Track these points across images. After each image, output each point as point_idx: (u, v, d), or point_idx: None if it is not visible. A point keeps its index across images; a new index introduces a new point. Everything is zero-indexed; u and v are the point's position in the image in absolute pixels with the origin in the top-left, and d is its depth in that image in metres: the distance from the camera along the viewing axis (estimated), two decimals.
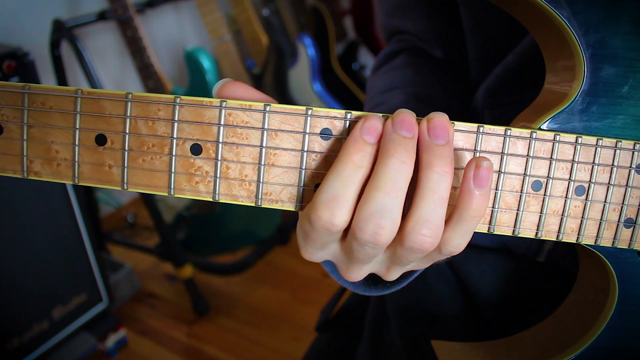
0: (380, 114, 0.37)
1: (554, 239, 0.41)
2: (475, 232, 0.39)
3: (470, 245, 0.67)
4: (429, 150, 0.36)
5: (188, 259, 1.97)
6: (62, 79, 1.80)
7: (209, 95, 0.38)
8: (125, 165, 0.38)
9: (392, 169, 0.35)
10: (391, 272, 0.42)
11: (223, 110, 0.37)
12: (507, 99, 0.61)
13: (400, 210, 0.36)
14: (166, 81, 1.95)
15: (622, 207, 0.41)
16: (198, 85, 1.95)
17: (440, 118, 0.37)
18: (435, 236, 0.37)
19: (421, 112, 0.38)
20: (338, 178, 0.36)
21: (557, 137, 0.39)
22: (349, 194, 0.36)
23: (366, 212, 0.35)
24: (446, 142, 0.36)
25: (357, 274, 0.42)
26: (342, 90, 2.64)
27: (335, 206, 0.36)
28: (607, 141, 0.40)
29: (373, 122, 0.36)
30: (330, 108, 0.38)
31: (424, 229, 0.36)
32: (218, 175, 0.38)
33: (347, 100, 2.58)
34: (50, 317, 1.57)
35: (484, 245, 0.67)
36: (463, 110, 0.69)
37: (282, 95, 2.32)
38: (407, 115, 0.36)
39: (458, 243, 0.38)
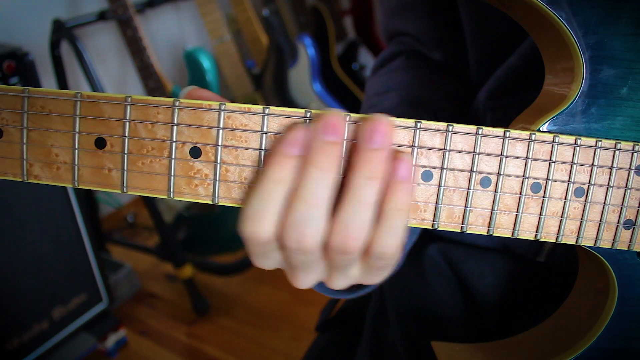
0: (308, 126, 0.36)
1: (554, 241, 0.41)
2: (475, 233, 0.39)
3: (470, 245, 0.68)
4: (360, 153, 0.36)
5: (188, 259, 1.97)
6: (62, 79, 1.80)
7: None
8: (125, 168, 0.38)
9: (314, 179, 0.35)
10: (333, 279, 0.42)
11: (222, 114, 0.37)
12: (509, 101, 0.61)
13: (324, 217, 0.36)
14: (166, 81, 1.95)
15: (621, 208, 0.41)
16: (198, 85, 1.94)
17: (379, 121, 0.36)
18: (359, 238, 0.36)
19: (413, 116, 0.38)
20: (258, 195, 0.36)
21: (557, 139, 0.39)
22: (270, 208, 0.36)
23: (289, 221, 0.36)
24: (381, 147, 0.35)
25: (303, 281, 0.42)
26: (342, 90, 2.63)
27: (257, 220, 0.36)
28: (607, 142, 0.40)
29: (296, 134, 0.36)
30: (329, 110, 0.38)
31: (348, 232, 0.36)
32: (217, 178, 0.38)
33: (347, 101, 2.58)
34: (50, 317, 1.57)
35: (484, 246, 0.67)
36: (461, 113, 0.69)
37: (282, 95, 2.32)
38: (332, 118, 0.35)
39: (386, 243, 0.37)
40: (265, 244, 0.37)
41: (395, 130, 0.38)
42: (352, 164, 0.36)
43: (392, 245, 0.38)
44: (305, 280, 0.42)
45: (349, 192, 0.36)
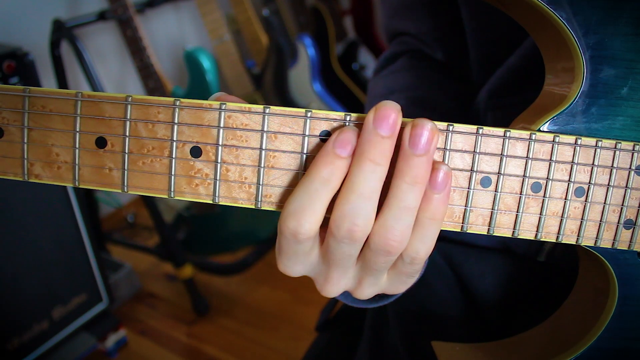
0: (356, 128, 0.37)
1: (554, 241, 0.41)
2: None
3: (470, 245, 0.68)
4: (404, 158, 0.36)
5: (188, 259, 1.97)
6: (62, 79, 1.80)
7: (209, 96, 0.38)
8: (126, 167, 0.38)
9: (366, 171, 0.36)
10: (364, 285, 0.42)
11: (222, 113, 0.37)
12: (510, 100, 0.61)
13: (374, 210, 0.37)
14: (166, 81, 1.95)
15: (621, 208, 0.41)
16: (198, 86, 1.95)
17: (423, 126, 0.36)
18: (400, 241, 0.37)
19: (419, 116, 0.38)
20: (306, 192, 0.36)
21: (557, 139, 0.39)
22: (316, 206, 0.36)
23: (341, 212, 0.36)
24: (424, 152, 0.36)
25: (336, 284, 0.42)
26: (342, 90, 2.64)
27: (301, 217, 0.36)
28: (607, 142, 0.40)
29: (347, 135, 0.36)
30: (329, 109, 0.38)
31: (389, 234, 0.37)
32: (218, 178, 0.38)
33: (347, 101, 2.58)
34: (50, 317, 1.57)
35: (484, 245, 0.67)
36: (463, 112, 0.69)
37: (282, 95, 2.32)
38: (389, 111, 0.36)
39: (418, 249, 0.38)
40: (306, 240, 0.38)
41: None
42: (397, 167, 0.36)
43: (424, 251, 0.39)
44: (338, 284, 0.42)
45: (393, 195, 0.37)
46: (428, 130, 0.36)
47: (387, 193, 0.37)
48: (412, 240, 0.38)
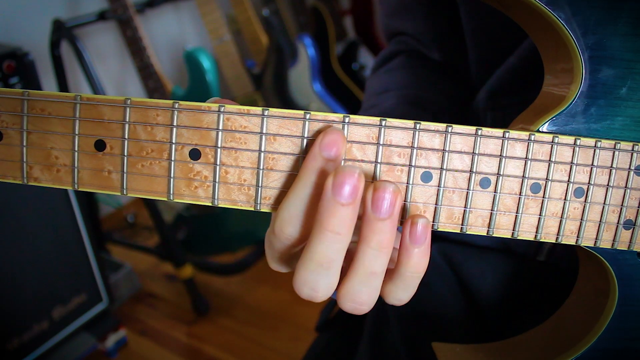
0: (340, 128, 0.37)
1: (553, 241, 0.41)
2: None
3: (470, 245, 0.68)
4: (367, 223, 0.35)
5: (188, 259, 1.97)
6: (62, 79, 1.80)
7: (210, 96, 0.38)
8: (125, 170, 0.38)
9: (325, 242, 0.34)
10: None
11: (221, 115, 0.37)
12: (509, 101, 0.61)
13: (336, 277, 0.36)
14: (166, 81, 1.95)
15: (621, 208, 0.41)
16: (198, 86, 1.95)
17: (385, 189, 0.34)
18: (368, 303, 0.37)
19: (413, 115, 0.37)
20: (298, 198, 0.36)
21: (556, 139, 0.39)
22: (310, 212, 0.36)
23: (301, 277, 0.36)
24: (387, 216, 0.34)
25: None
26: (342, 90, 2.63)
27: (297, 223, 0.36)
28: (606, 143, 0.40)
29: (332, 137, 0.35)
30: (329, 109, 0.38)
31: (356, 298, 0.36)
32: (217, 180, 0.38)
33: (347, 101, 2.58)
34: (50, 317, 1.57)
35: (484, 245, 0.67)
36: (459, 112, 0.69)
37: (282, 95, 2.32)
38: (348, 177, 0.33)
39: (400, 297, 0.38)
40: (301, 245, 0.37)
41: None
42: (361, 233, 0.35)
43: (406, 297, 0.38)
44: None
45: (358, 260, 0.36)
46: (390, 192, 0.34)
47: (354, 255, 0.36)
48: (394, 290, 0.38)
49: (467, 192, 0.39)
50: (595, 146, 0.40)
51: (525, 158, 0.39)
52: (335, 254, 0.35)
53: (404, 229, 0.36)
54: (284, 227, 0.36)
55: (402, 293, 0.38)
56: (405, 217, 0.38)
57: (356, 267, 0.36)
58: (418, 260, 0.36)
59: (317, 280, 0.35)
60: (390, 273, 0.38)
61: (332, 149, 0.35)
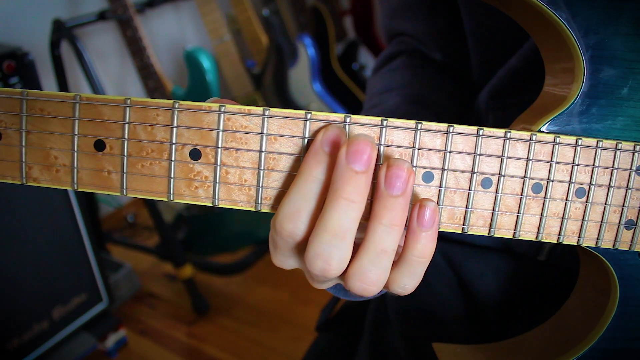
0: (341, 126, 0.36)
1: (555, 241, 0.41)
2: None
3: (470, 245, 0.68)
4: (380, 199, 0.35)
5: (188, 259, 1.97)
6: (62, 79, 1.80)
7: (210, 96, 0.38)
8: (124, 170, 0.38)
9: (340, 210, 0.34)
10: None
11: (222, 115, 0.37)
12: (511, 101, 0.61)
13: (349, 249, 0.36)
14: (166, 81, 1.95)
15: (622, 208, 0.41)
16: (198, 86, 1.95)
17: (399, 166, 0.35)
18: (376, 284, 0.36)
19: (415, 114, 0.37)
20: (299, 193, 0.36)
21: (557, 139, 0.39)
22: (311, 207, 0.36)
23: (314, 251, 0.35)
24: (401, 193, 0.34)
25: (320, 286, 0.42)
26: (342, 90, 2.63)
27: (298, 219, 0.36)
28: (607, 143, 0.40)
29: (333, 133, 0.35)
30: (330, 109, 0.38)
31: (365, 277, 0.36)
32: (217, 180, 0.38)
33: (347, 101, 2.58)
34: (50, 317, 1.57)
35: (485, 245, 0.67)
36: (461, 112, 0.69)
37: (282, 95, 2.32)
38: (363, 145, 0.34)
39: (405, 284, 0.38)
40: (303, 240, 0.37)
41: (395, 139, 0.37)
42: (373, 209, 0.35)
43: (411, 285, 0.38)
44: (322, 286, 0.42)
45: (369, 238, 0.36)
46: (404, 170, 0.35)
47: (365, 233, 0.36)
48: (399, 276, 0.37)
49: (469, 192, 0.39)
50: (596, 146, 0.40)
51: (527, 158, 0.39)
52: (349, 223, 0.35)
53: (411, 213, 0.36)
54: (284, 224, 0.36)
55: (408, 280, 0.38)
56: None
57: (367, 245, 0.36)
58: (425, 244, 0.36)
59: (330, 252, 0.35)
60: (396, 260, 0.38)
61: (332, 144, 0.35)
